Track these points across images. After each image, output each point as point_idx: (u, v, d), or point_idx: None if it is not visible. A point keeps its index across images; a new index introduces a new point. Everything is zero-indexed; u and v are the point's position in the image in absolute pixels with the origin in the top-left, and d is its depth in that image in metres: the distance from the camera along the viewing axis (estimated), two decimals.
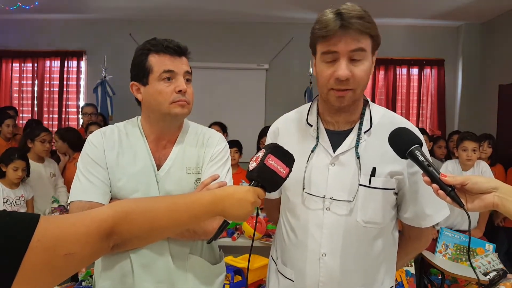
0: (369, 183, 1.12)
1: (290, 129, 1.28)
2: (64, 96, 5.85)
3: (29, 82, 5.89)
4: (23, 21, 5.65)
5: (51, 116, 5.87)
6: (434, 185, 0.92)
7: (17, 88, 5.90)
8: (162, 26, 5.39)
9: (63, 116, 5.85)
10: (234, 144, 3.70)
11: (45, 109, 5.87)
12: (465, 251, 2.72)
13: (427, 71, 5.84)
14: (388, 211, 1.16)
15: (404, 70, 5.86)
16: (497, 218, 3.82)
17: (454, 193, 0.90)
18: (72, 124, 5.81)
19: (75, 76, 5.87)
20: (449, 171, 3.26)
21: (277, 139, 1.28)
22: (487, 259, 2.57)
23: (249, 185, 1.01)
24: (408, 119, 1.25)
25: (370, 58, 1.10)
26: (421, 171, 0.96)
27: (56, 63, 5.86)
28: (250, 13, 5.31)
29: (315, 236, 1.16)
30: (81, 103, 5.75)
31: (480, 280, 2.34)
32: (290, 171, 1.03)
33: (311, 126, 1.22)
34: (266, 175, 0.99)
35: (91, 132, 1.51)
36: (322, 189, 1.15)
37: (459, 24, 5.67)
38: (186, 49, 1.29)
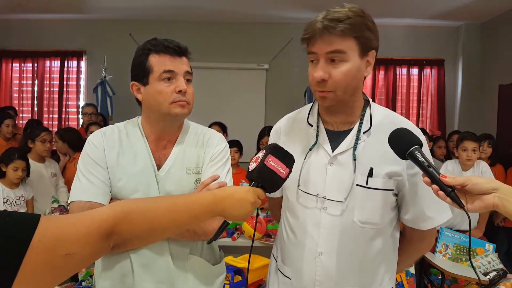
0: (366, 183, 1.12)
1: (292, 128, 1.30)
2: (64, 96, 5.85)
3: (29, 82, 5.88)
4: (23, 21, 5.64)
5: (51, 116, 5.87)
6: (434, 186, 0.92)
7: (17, 88, 5.90)
8: (162, 26, 5.39)
9: (63, 116, 5.85)
10: (234, 144, 3.70)
11: (45, 109, 5.87)
12: (465, 251, 2.72)
13: (427, 71, 5.84)
14: (387, 212, 1.16)
15: (404, 70, 5.86)
16: (497, 218, 3.82)
17: (454, 194, 0.90)
18: (72, 124, 5.81)
19: (75, 76, 5.87)
20: (449, 171, 3.26)
21: (279, 138, 1.30)
22: (487, 259, 2.57)
23: (249, 185, 1.01)
24: (408, 119, 1.25)
25: (354, 60, 1.08)
26: (421, 173, 0.96)
27: (56, 63, 5.86)
28: (250, 13, 5.31)
29: (312, 235, 1.16)
30: (81, 103, 5.75)
31: (481, 280, 2.34)
32: (290, 171, 1.03)
33: (312, 126, 1.23)
34: (266, 175, 1.00)
35: (91, 132, 1.51)
36: (320, 189, 1.16)
37: (459, 24, 5.67)
38: (187, 49, 1.29)
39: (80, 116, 5.37)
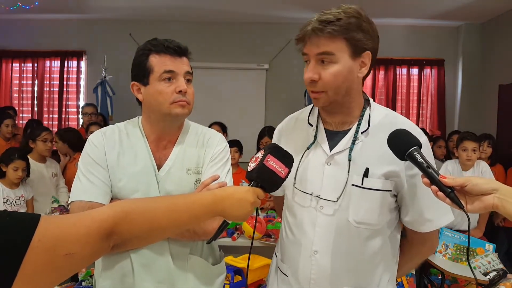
0: (362, 183, 1.12)
1: (294, 128, 1.31)
2: (64, 96, 5.85)
3: (29, 82, 5.88)
4: (23, 21, 5.65)
5: (51, 116, 5.87)
6: (434, 186, 0.91)
7: (17, 88, 5.90)
8: (162, 26, 5.39)
9: (63, 116, 5.85)
10: (234, 144, 3.70)
11: (45, 109, 5.87)
12: (465, 251, 2.72)
13: (427, 71, 5.84)
14: (384, 213, 1.15)
15: (404, 70, 5.86)
16: (497, 218, 3.82)
17: (453, 195, 0.89)
18: (72, 124, 5.81)
19: (75, 76, 5.87)
20: (449, 171, 3.27)
21: (281, 138, 1.32)
22: (487, 259, 2.57)
23: (249, 185, 1.02)
24: (408, 119, 1.24)
25: (344, 61, 1.08)
26: (420, 174, 0.96)
27: (56, 63, 5.86)
28: (250, 13, 5.31)
29: (308, 234, 1.17)
30: (81, 103, 5.75)
31: (481, 280, 2.34)
32: (290, 171, 1.04)
33: (312, 125, 1.24)
34: (265, 175, 1.00)
35: (91, 132, 1.52)
36: (317, 188, 1.17)
37: (459, 24, 5.67)
38: (187, 49, 1.29)
39: (80, 116, 5.38)
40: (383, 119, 1.17)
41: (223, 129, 4.22)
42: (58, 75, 5.84)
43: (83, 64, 5.86)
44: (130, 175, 1.26)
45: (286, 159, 1.03)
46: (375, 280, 1.17)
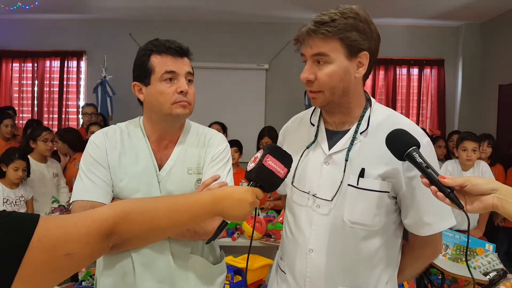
0: (357, 183, 1.12)
1: (297, 128, 1.32)
2: (64, 96, 5.85)
3: (29, 82, 5.88)
4: (23, 21, 5.64)
5: (51, 116, 5.87)
6: (433, 187, 0.91)
7: (17, 88, 5.90)
8: (162, 26, 5.39)
9: (63, 116, 5.85)
10: (234, 144, 3.70)
11: (45, 109, 5.87)
12: (465, 251, 2.72)
13: (427, 71, 5.84)
14: (381, 215, 1.14)
15: (404, 70, 5.86)
16: (497, 218, 3.82)
17: (453, 195, 0.89)
18: (72, 124, 5.81)
19: (75, 76, 5.87)
20: (449, 171, 3.27)
21: (285, 137, 1.34)
22: (487, 259, 2.57)
23: (248, 185, 1.02)
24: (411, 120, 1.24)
25: (339, 61, 1.09)
26: (419, 176, 0.95)
27: (56, 63, 5.86)
28: (250, 13, 5.31)
29: (305, 232, 1.18)
30: (81, 103, 5.75)
31: (481, 280, 2.34)
32: (289, 171, 1.04)
33: (314, 125, 1.24)
34: (264, 175, 1.00)
35: (92, 133, 1.52)
36: (314, 187, 1.17)
37: (459, 24, 5.67)
38: (188, 50, 1.30)
39: (80, 116, 5.38)
40: (384, 120, 1.16)
41: (223, 129, 4.22)
42: (58, 75, 5.85)
43: (83, 64, 5.86)
44: (131, 175, 1.27)
45: (285, 159, 1.03)
46: (372, 281, 1.16)
